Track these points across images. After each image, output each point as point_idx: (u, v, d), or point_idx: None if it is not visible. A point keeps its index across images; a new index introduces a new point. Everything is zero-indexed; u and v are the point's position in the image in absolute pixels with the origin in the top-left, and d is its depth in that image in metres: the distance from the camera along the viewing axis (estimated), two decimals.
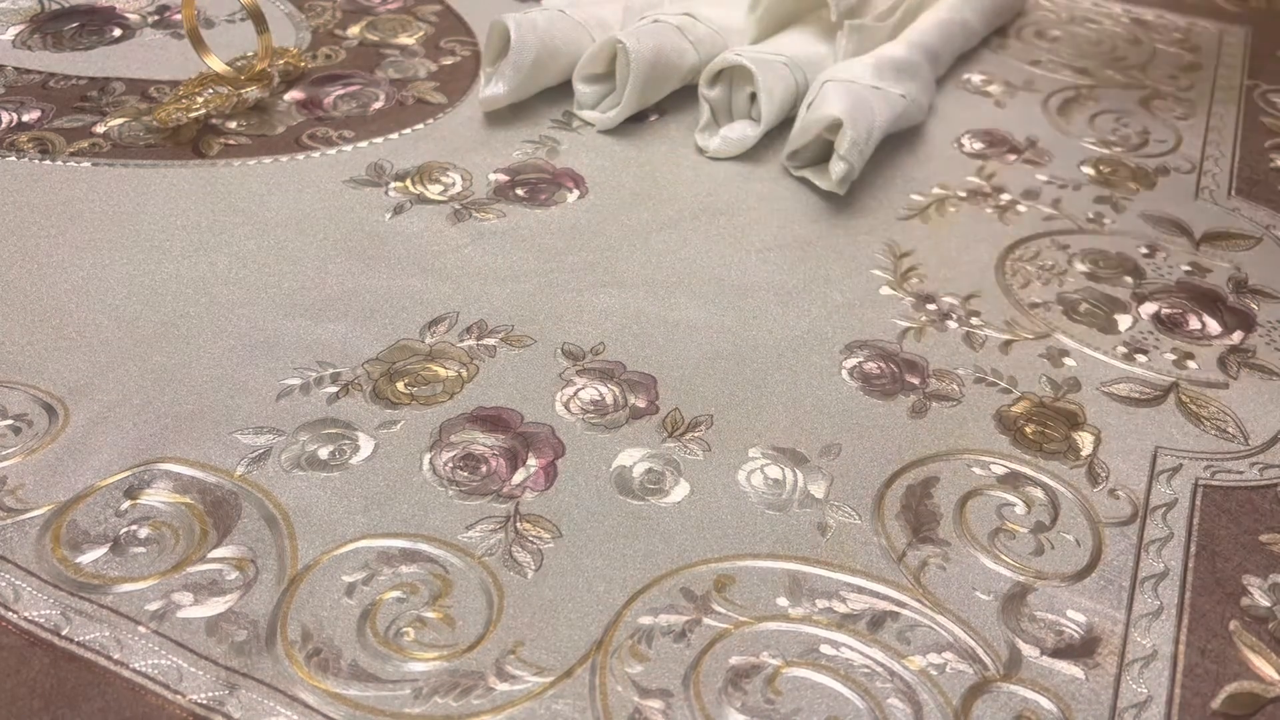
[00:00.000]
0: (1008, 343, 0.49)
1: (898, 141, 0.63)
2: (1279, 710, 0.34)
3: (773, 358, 0.47)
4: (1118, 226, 0.57)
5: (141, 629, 0.34)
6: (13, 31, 0.70)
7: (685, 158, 0.61)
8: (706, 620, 0.36)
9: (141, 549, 0.37)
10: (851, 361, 0.47)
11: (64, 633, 0.34)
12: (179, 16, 0.73)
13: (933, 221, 0.57)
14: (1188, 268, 0.54)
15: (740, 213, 0.57)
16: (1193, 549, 0.39)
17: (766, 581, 0.37)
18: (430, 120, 0.63)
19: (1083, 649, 0.35)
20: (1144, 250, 0.55)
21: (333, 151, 0.59)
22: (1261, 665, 0.35)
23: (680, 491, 0.40)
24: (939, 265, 0.53)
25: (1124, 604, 0.37)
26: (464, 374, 0.45)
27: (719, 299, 0.50)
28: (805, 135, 0.59)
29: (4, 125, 0.60)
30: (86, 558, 0.37)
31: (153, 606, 0.35)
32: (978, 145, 0.64)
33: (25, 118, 0.61)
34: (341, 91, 0.65)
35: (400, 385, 0.44)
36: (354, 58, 0.69)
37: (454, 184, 0.57)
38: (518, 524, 0.39)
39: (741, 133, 0.62)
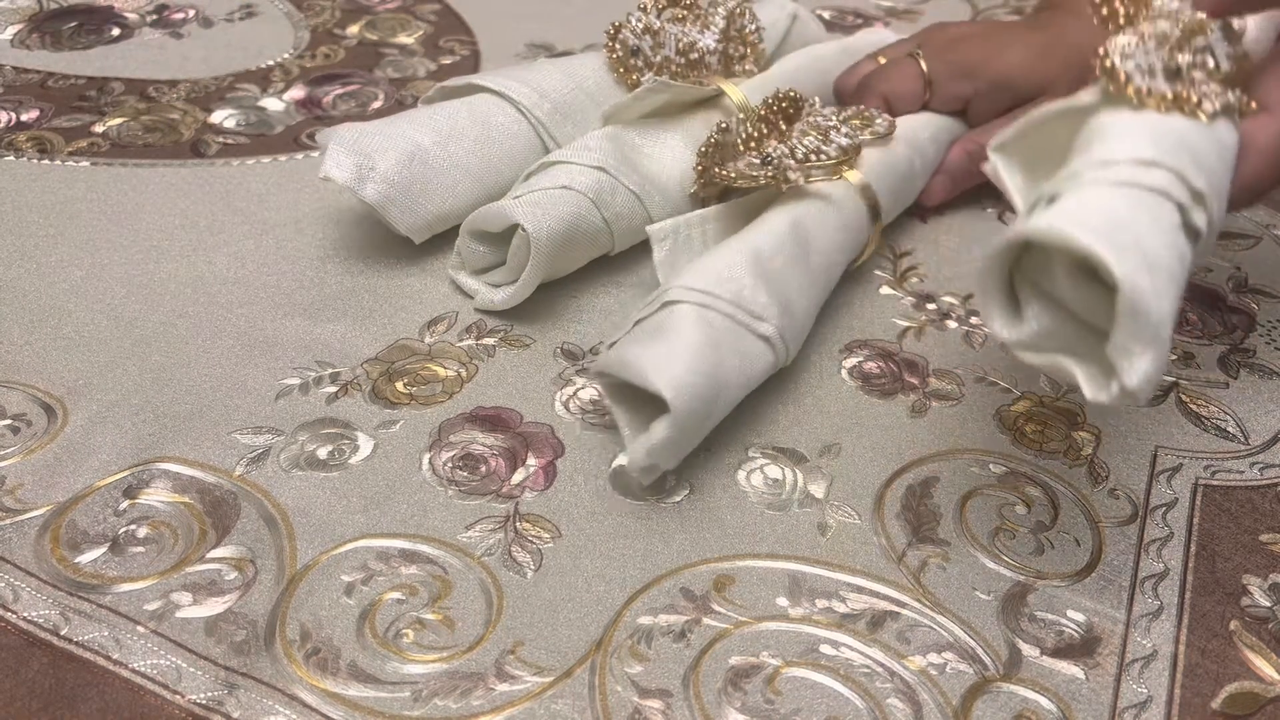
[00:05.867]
0: None
1: None
2: (1279, 710, 0.34)
3: None
4: None
5: (140, 629, 0.34)
6: (11, 31, 0.70)
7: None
8: (706, 620, 0.36)
9: (140, 549, 0.37)
10: (851, 361, 0.47)
11: (63, 633, 0.34)
12: (178, 16, 0.73)
13: (932, 221, 0.57)
14: None
15: None
16: (1193, 549, 0.39)
17: (766, 581, 0.37)
18: None
19: (1083, 649, 0.35)
20: None
21: None
22: (1262, 665, 0.35)
23: (680, 491, 0.40)
24: (938, 265, 0.53)
25: (1124, 604, 0.37)
26: (463, 374, 0.45)
27: None
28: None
29: (2, 125, 0.60)
30: (85, 557, 0.37)
31: (152, 606, 0.35)
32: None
33: (24, 117, 0.61)
34: (340, 91, 0.65)
35: (399, 385, 0.44)
36: (353, 57, 0.69)
37: None
38: (517, 524, 0.39)
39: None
